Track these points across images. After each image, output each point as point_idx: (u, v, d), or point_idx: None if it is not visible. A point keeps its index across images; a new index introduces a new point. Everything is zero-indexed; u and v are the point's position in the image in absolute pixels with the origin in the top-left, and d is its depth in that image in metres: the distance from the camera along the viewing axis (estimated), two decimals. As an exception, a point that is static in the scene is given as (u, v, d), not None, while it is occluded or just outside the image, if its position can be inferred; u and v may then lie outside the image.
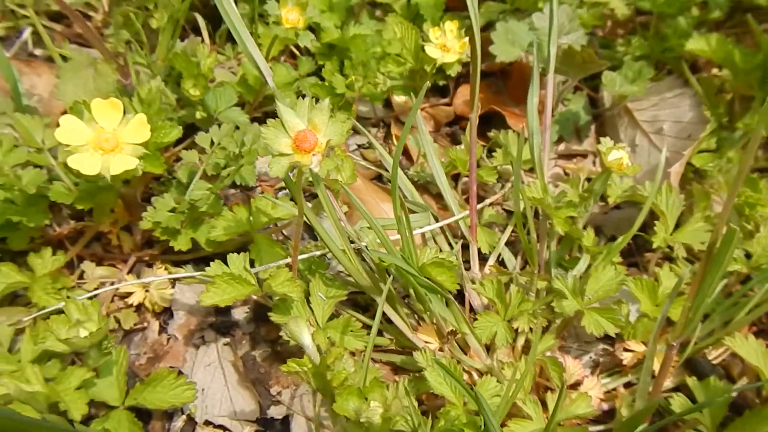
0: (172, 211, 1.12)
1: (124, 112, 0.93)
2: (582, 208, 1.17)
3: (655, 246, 1.16)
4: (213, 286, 0.97)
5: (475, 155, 1.21)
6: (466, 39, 1.39)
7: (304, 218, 0.97)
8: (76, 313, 0.82)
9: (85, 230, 1.23)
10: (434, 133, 1.57)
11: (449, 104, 1.60)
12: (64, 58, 1.36)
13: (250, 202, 1.31)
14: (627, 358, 1.10)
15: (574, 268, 1.15)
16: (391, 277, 1.01)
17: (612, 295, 1.08)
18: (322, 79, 1.47)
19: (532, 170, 1.35)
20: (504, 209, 1.40)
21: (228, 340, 1.16)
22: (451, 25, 1.39)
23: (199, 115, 1.31)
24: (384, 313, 1.06)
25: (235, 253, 1.05)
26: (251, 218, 1.15)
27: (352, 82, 1.36)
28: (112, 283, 1.17)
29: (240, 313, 1.19)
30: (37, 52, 1.59)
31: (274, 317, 1.02)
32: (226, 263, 1.04)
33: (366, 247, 1.04)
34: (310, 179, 0.96)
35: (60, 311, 1.06)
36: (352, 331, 1.02)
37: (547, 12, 1.41)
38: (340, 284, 1.08)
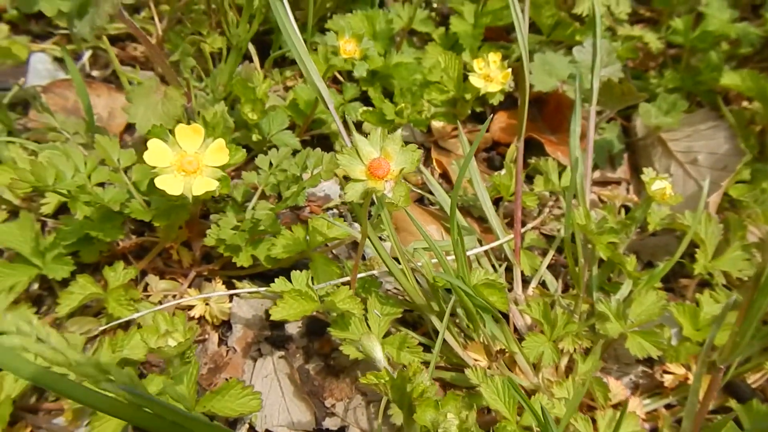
0: (235, 229, 1.18)
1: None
2: (623, 235, 1.22)
3: (696, 273, 1.21)
4: (282, 302, 1.02)
5: (521, 181, 1.26)
6: (509, 70, 1.46)
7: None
8: (164, 324, 0.88)
9: (145, 245, 1.29)
10: (473, 158, 1.63)
11: (487, 130, 1.66)
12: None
13: (300, 221, 1.37)
14: (668, 380, 1.14)
15: (616, 293, 1.20)
16: (453, 298, 1.07)
17: (654, 319, 1.13)
18: (366, 104, 1.53)
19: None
20: (542, 233, 1.46)
21: (283, 353, 1.21)
22: (494, 56, 1.46)
23: (255, 137, 1.38)
24: (435, 331, 1.11)
25: (297, 271, 1.10)
26: (308, 237, 1.21)
27: (402, 109, 1.43)
28: (174, 296, 1.22)
29: (293, 328, 1.24)
30: (95, 73, 1.67)
31: (333, 332, 1.08)
32: (284, 279, 1.10)
33: (422, 267, 1.10)
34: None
35: (129, 322, 1.13)
36: (408, 347, 1.07)
37: (587, 45, 1.48)
38: (395, 302, 1.13)
